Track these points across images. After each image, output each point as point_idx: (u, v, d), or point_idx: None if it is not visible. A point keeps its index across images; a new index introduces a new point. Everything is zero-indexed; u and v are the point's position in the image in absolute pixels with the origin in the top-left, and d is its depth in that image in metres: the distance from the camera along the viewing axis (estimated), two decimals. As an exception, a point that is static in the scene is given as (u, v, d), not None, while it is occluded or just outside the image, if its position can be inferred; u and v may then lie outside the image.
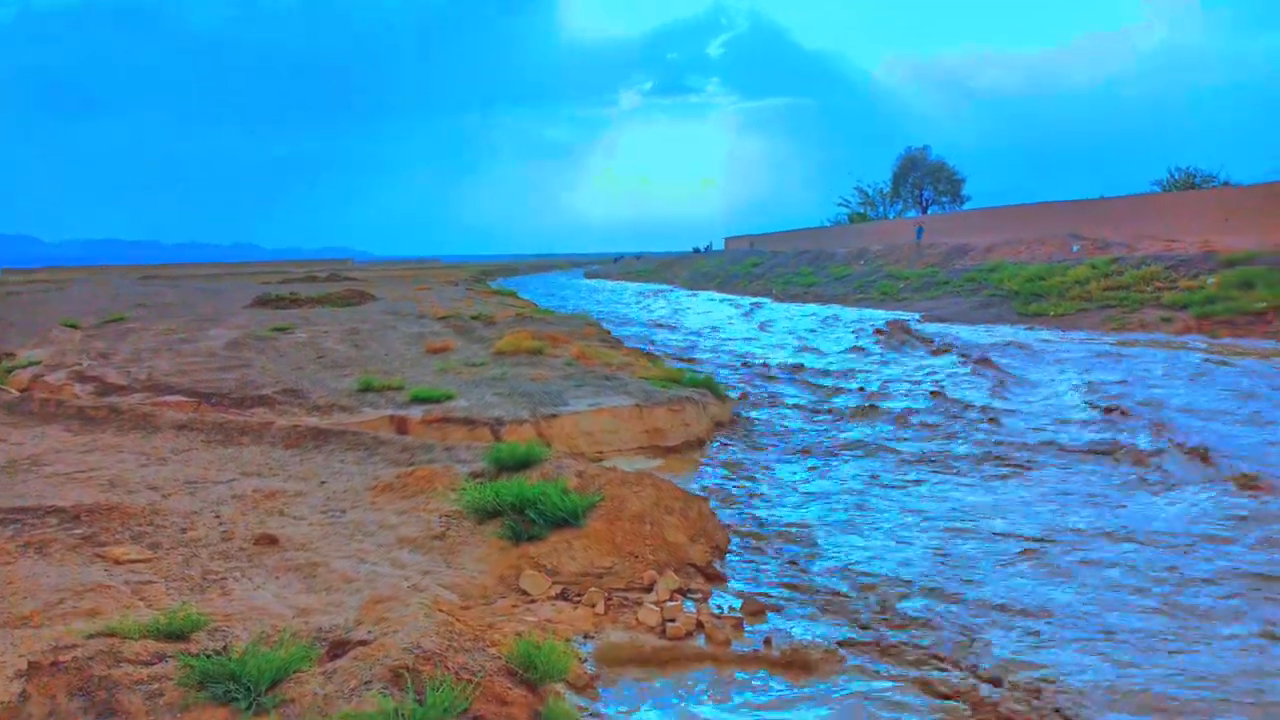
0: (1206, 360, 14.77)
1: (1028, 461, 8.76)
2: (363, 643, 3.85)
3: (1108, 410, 10.72)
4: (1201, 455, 8.31)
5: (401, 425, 9.37)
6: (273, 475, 6.95)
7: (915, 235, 42.36)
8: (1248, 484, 7.44)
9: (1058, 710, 4.02)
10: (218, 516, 5.87)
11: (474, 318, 19.10)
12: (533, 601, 5.00)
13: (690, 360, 16.45)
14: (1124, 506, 7.19)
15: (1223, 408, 10.94)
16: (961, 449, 9.32)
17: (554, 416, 9.46)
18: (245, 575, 4.92)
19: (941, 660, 4.55)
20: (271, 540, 5.42)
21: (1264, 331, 17.69)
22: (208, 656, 3.43)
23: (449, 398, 10.13)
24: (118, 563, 4.95)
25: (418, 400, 9.97)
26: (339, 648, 3.86)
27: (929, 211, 57.84)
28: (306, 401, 10.14)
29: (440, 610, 4.56)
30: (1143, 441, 9.09)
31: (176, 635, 3.83)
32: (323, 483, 6.78)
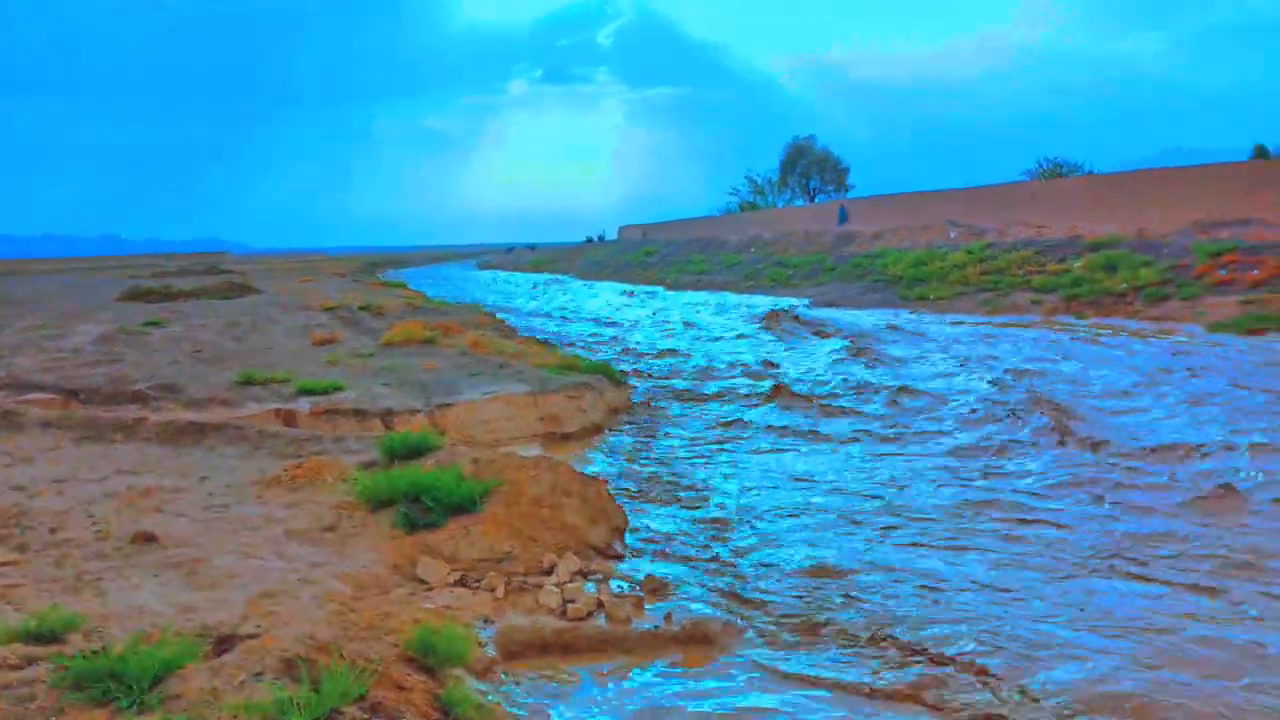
0: (1074, 339, 15.63)
1: (911, 432, 9.10)
2: (251, 636, 3.72)
3: (991, 383, 11.22)
4: (1061, 426, 8.81)
5: (288, 418, 9.06)
6: (149, 472, 6.62)
7: (839, 218, 41.54)
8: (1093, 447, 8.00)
9: (918, 647, 4.20)
10: (90, 516, 5.56)
11: (362, 308, 18.61)
12: (431, 589, 4.92)
13: (586, 348, 16.44)
14: (997, 474, 7.56)
15: (1088, 381, 11.61)
16: (846, 424, 9.61)
17: (448, 406, 9.32)
18: (122, 575, 4.68)
19: (834, 625, 4.70)
20: (150, 538, 5.16)
21: (1126, 312, 18.83)
22: (84, 657, 3.25)
23: (337, 389, 9.86)
24: (-20, 567, 4.63)
25: (304, 392, 9.66)
26: (226, 642, 3.72)
27: (816, 200, 59.30)
28: (183, 396, 9.69)
29: (333, 601, 4.45)
30: (1004, 411, 9.57)
31: (48, 638, 3.62)
32: (204, 478, 6.50)
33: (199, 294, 23.66)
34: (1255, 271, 18.39)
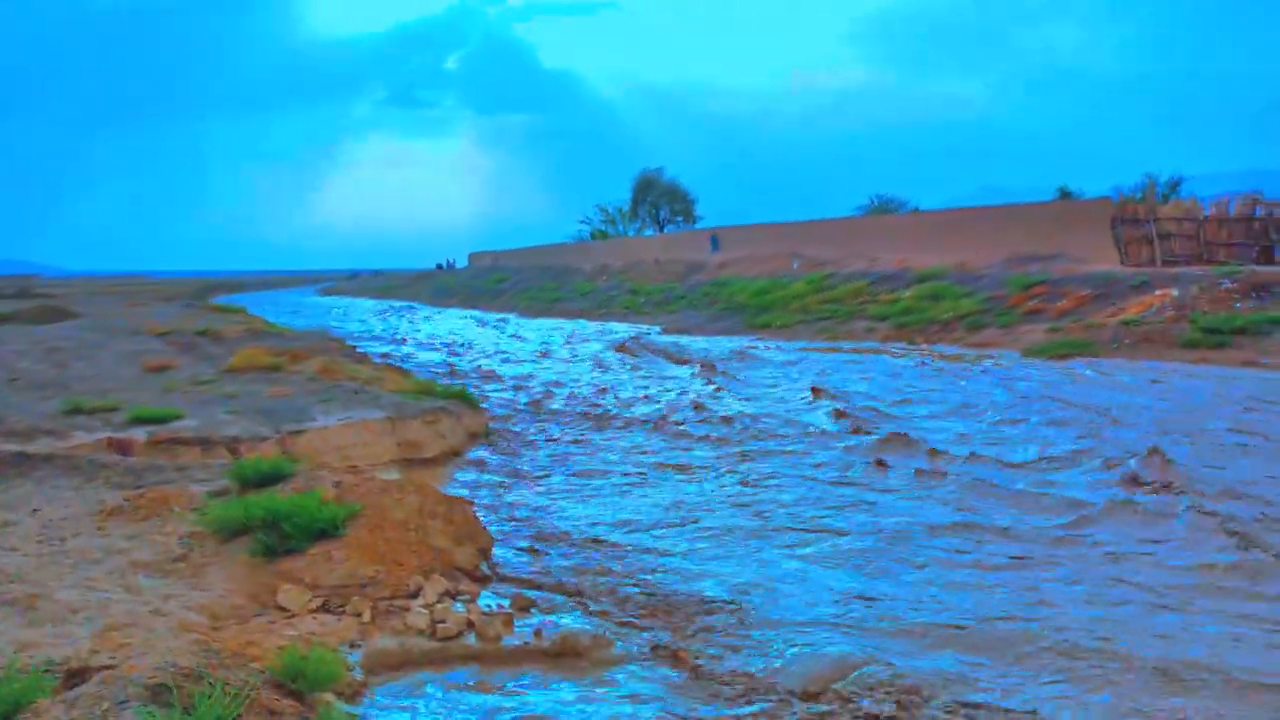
0: (921, 365, 16.69)
1: (749, 449, 9.53)
2: (106, 667, 3.55)
3: (837, 413, 11.86)
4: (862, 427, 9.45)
5: (123, 448, 8.53)
6: (-31, 507, 6.13)
7: (711, 246, 40.84)
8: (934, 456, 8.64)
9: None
10: (-96, 553, 5.11)
11: (200, 333, 17.70)
12: (293, 616, 4.80)
13: (440, 374, 16.24)
14: (847, 486, 8.03)
15: (922, 398, 12.46)
16: (700, 447, 9.95)
17: (299, 433, 9.03)
18: (-53, 614, 4.34)
19: (684, 627, 4.90)
20: (-23, 575, 4.80)
21: (950, 339, 20.25)
22: (-83, 698, 3.03)
23: (176, 417, 9.36)
24: None
25: (139, 421, 9.13)
26: (77, 676, 3.54)
27: (665, 230, 60.60)
28: (1, 426, 8.98)
29: (191, 631, 4.29)
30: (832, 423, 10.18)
31: None
32: (35, 510, 6.08)
33: (10, 318, 21.84)
34: (1062, 302, 20.19)
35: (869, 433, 10.17)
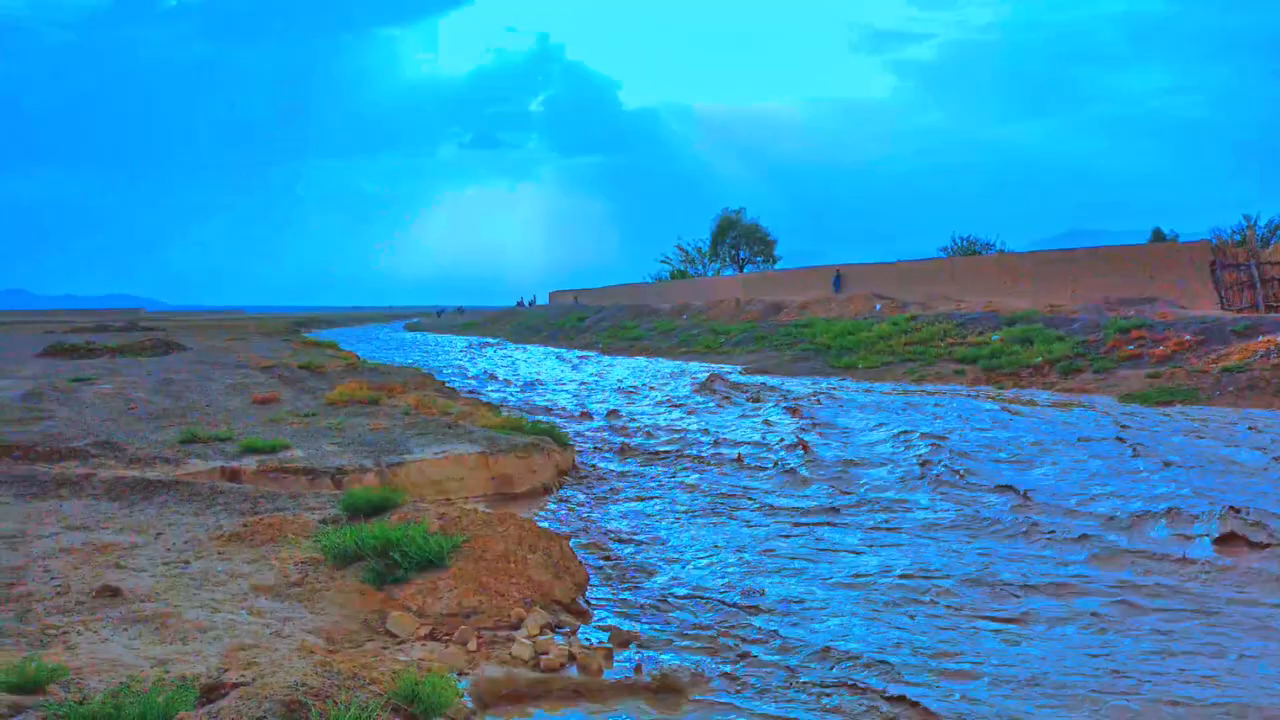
0: (1004, 409, 16.33)
1: (843, 490, 9.44)
2: (239, 685, 3.76)
3: (923, 462, 11.68)
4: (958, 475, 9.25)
5: (234, 476, 8.96)
6: (102, 528, 6.52)
7: (833, 285, 39.22)
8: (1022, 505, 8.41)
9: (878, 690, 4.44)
10: (47, 570, 5.47)
11: (302, 367, 18.41)
12: (402, 643, 4.98)
13: (528, 409, 16.54)
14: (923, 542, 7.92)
15: (1012, 447, 12.18)
16: (791, 488, 9.91)
17: (399, 465, 9.34)
18: (89, 628, 4.63)
19: (793, 672, 4.90)
20: (114, 592, 5.12)
21: (1042, 383, 19.75)
22: (78, 703, 3.27)
23: (284, 448, 9.78)
24: (-60, 621, 4.54)
25: (250, 451, 9.56)
26: (213, 691, 3.75)
27: (745, 270, 60.69)
28: (124, 454, 9.50)
29: (311, 653, 4.49)
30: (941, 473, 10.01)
31: (29, 688, 3.60)
32: (159, 534, 6.43)
33: (125, 350, 23.04)
34: (1160, 347, 19.54)
35: (979, 483, 9.84)
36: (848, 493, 9.69)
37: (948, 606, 6.05)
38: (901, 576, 6.68)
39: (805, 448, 12.10)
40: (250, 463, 9.15)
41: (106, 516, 6.79)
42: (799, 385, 21.94)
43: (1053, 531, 7.77)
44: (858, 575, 6.76)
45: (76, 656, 4.25)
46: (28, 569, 5.46)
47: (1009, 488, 9.44)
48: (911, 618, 5.84)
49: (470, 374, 27.43)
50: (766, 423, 15.05)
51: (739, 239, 62.68)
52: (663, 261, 67.02)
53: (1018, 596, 6.22)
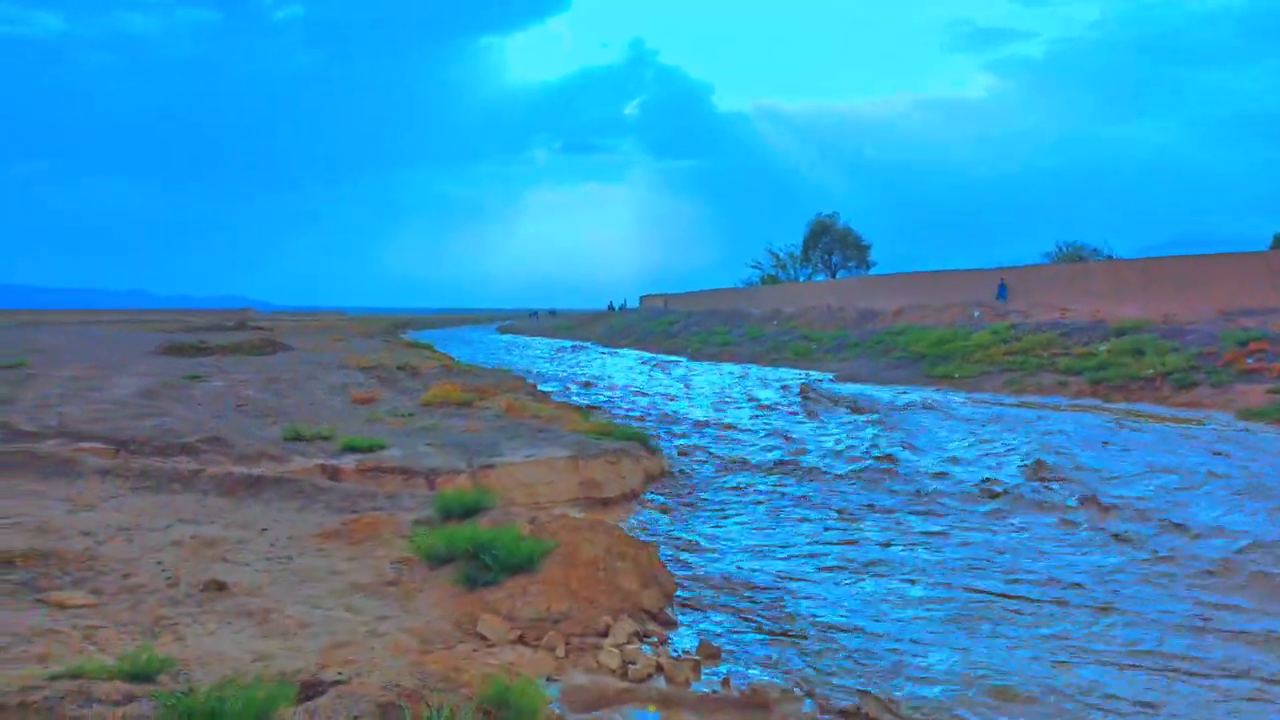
0: (1120, 425, 15.65)
1: (931, 504, 9.16)
2: (337, 682, 3.84)
3: (1036, 472, 11.27)
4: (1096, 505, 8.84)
5: (334, 474, 9.22)
6: (210, 522, 6.78)
7: (998, 293, 34.88)
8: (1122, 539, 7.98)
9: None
10: (159, 563, 5.71)
11: (399, 368, 18.91)
12: (492, 646, 5.02)
13: (617, 414, 16.61)
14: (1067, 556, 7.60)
15: (1145, 473, 11.64)
16: (888, 499, 9.68)
17: (490, 467, 9.47)
18: (197, 620, 4.82)
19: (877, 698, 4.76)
20: (220, 586, 5.31)
21: (1154, 397, 18.85)
22: (185, 694, 3.39)
23: (381, 447, 10.03)
24: (62, 607, 4.79)
25: (349, 449, 9.84)
26: (311, 688, 3.84)
27: (838, 276, 59.80)
28: (232, 450, 9.89)
29: (405, 653, 4.57)
30: (1066, 498, 9.60)
31: (143, 677, 3.76)
32: (264, 530, 6.66)
33: (234, 350, 24.06)
34: (1283, 361, 18.44)
35: (1099, 505, 9.17)
36: (933, 510, 9.41)
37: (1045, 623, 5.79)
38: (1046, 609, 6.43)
39: (890, 460, 11.82)
40: (349, 461, 9.42)
41: (215, 511, 7.06)
42: (892, 394, 21.46)
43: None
44: (952, 591, 6.54)
45: (185, 648, 4.42)
46: (141, 560, 5.72)
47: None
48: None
49: (561, 376, 27.72)
50: (859, 432, 14.76)
51: (832, 244, 61.81)
52: (754, 266, 66.62)
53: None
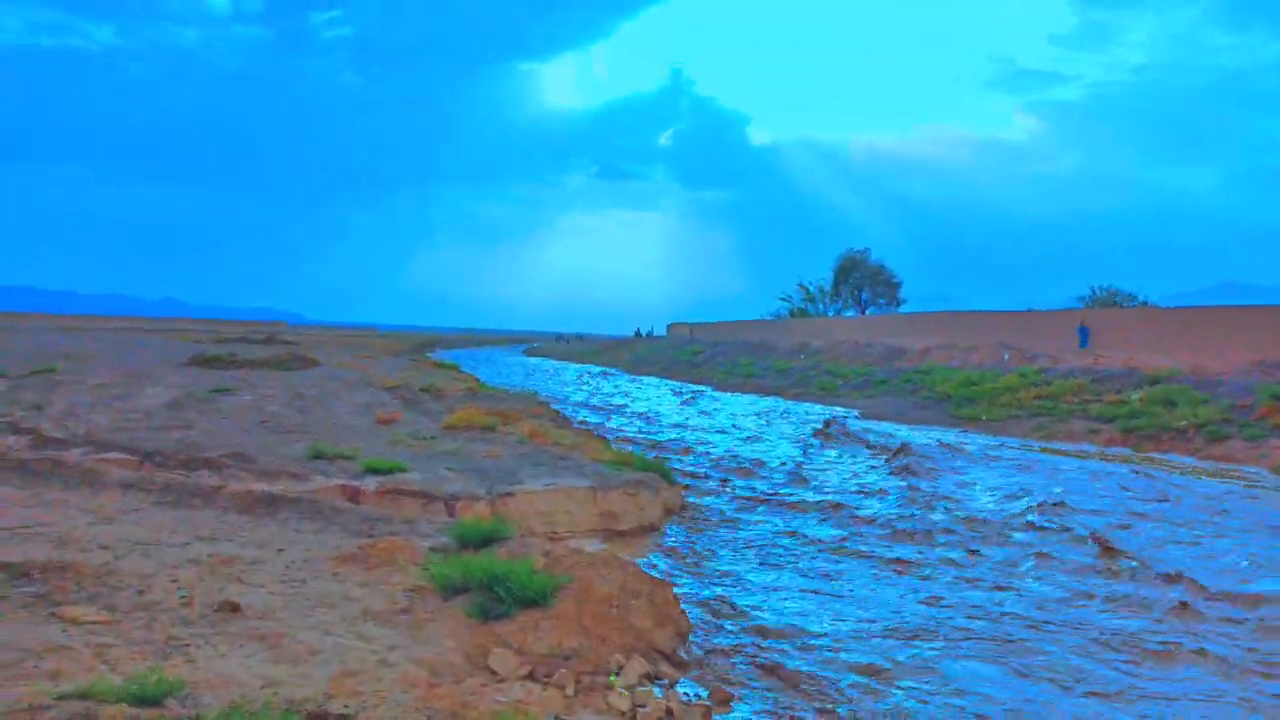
0: (1163, 481, 15.37)
1: (950, 550, 9.00)
2: (344, 716, 3.80)
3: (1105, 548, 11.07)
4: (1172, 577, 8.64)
5: (354, 495, 9.23)
6: (228, 540, 6.79)
7: (1080, 339, 31.69)
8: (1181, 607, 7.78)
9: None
10: (175, 580, 5.72)
11: (423, 390, 18.99)
12: (502, 681, 4.96)
13: (639, 443, 16.55)
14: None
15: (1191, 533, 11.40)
16: (909, 548, 9.53)
17: (509, 494, 9.44)
18: (209, 642, 4.80)
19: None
20: (234, 607, 5.30)
21: (1186, 449, 18.52)
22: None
23: (402, 470, 10.04)
24: (75, 623, 4.80)
25: (370, 471, 9.86)
26: (318, 719, 3.80)
27: (867, 312, 59.55)
28: (254, 467, 9.94)
29: (414, 686, 4.52)
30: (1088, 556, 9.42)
31: (150, 700, 3.74)
32: (280, 550, 6.65)
33: (263, 364, 24.29)
34: (1320, 417, 18.06)
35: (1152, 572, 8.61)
36: (955, 554, 9.24)
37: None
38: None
39: (913, 503, 11.65)
40: (370, 483, 9.42)
41: (234, 529, 7.08)
42: (917, 434, 21.25)
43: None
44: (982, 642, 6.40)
45: (195, 670, 4.40)
46: (157, 577, 5.72)
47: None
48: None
49: (584, 403, 27.71)
50: (881, 473, 14.59)
51: (862, 280, 61.63)
52: (783, 299, 66.54)
53: None
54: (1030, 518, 10.93)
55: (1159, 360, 26.74)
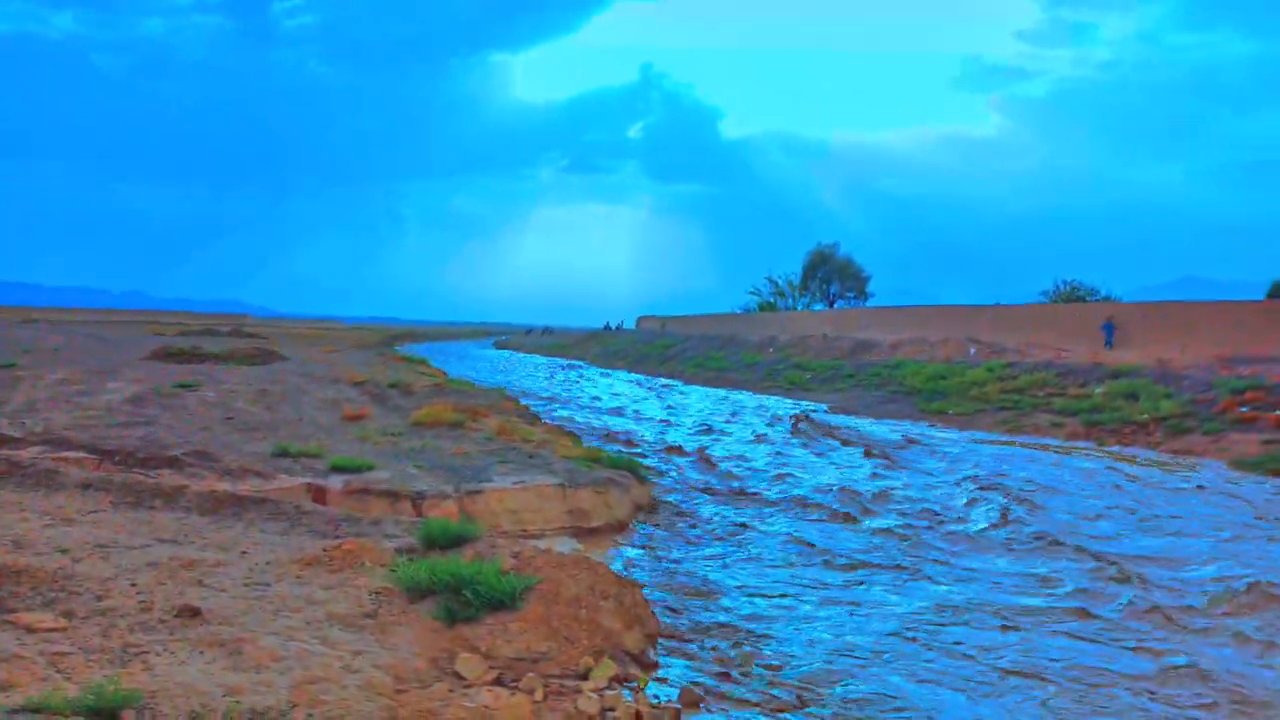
0: (1113, 470, 15.59)
1: (923, 553, 9.08)
2: (306, 726, 3.74)
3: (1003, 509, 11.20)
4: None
5: (319, 495, 9.12)
6: (189, 543, 6.67)
7: (1105, 336, 29.84)
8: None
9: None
10: (134, 584, 5.60)
11: (391, 385, 18.82)
12: (469, 686, 4.91)
13: (608, 439, 16.51)
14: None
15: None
16: (881, 540, 9.59)
17: (477, 492, 9.38)
18: (168, 649, 4.70)
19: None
20: (194, 612, 5.19)
21: (1146, 441, 18.81)
22: (147, 738, 3.28)
23: (369, 468, 9.94)
24: (30, 630, 4.68)
25: (337, 469, 9.75)
26: (280, 731, 3.73)
27: (836, 306, 59.91)
28: (218, 465, 9.78)
29: (378, 693, 4.47)
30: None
31: (107, 713, 3.65)
32: (244, 553, 6.54)
33: (228, 358, 23.95)
34: (1278, 412, 18.40)
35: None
36: (924, 551, 9.32)
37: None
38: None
39: (883, 498, 11.74)
40: (336, 482, 9.32)
41: (196, 531, 6.96)
42: (885, 428, 21.41)
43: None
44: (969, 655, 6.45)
45: (154, 678, 4.31)
46: (115, 580, 5.60)
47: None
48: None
49: (553, 397, 27.62)
50: (851, 467, 14.68)
51: (831, 274, 61.99)
52: (752, 293, 66.75)
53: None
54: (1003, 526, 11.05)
55: (1123, 354, 27.15)
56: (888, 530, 10.10)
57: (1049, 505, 11.74)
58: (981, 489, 12.74)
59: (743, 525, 10.28)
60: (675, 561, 8.60)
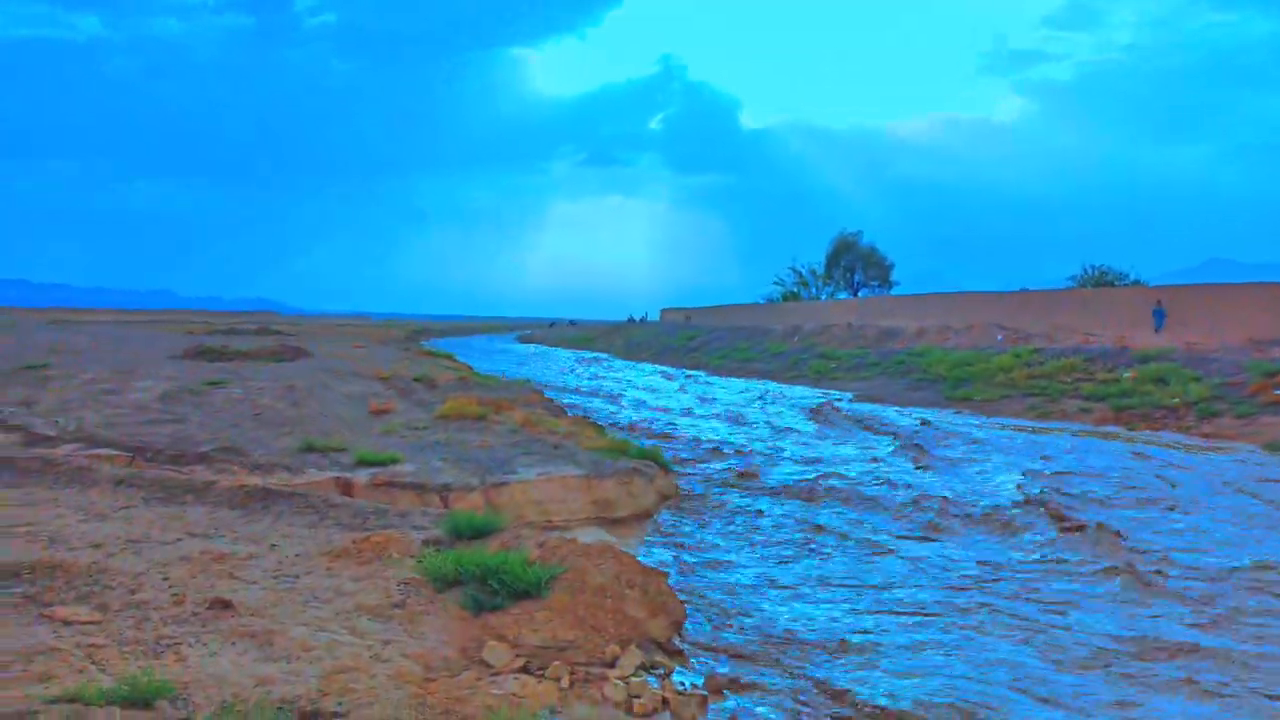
0: (1160, 458, 15.40)
1: (941, 529, 9.02)
2: (336, 715, 3.79)
3: (1038, 501, 11.10)
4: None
5: (346, 488, 9.21)
6: (220, 536, 6.76)
7: (1155, 321, 28.79)
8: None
9: None
10: (166, 578, 5.69)
11: (416, 379, 18.94)
12: (496, 674, 4.95)
13: (633, 430, 16.53)
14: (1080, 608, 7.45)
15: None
16: (901, 526, 9.54)
17: (503, 484, 9.43)
18: (200, 641, 4.77)
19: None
20: (225, 605, 5.27)
21: (1177, 426, 18.56)
22: (181, 725, 3.34)
23: (395, 461, 10.02)
24: (66, 623, 4.77)
25: (363, 463, 9.83)
26: (310, 718, 3.79)
27: (860, 294, 59.55)
28: (247, 460, 9.90)
29: (407, 681, 4.51)
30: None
31: (141, 703, 3.72)
32: (273, 546, 6.62)
33: (256, 355, 24.19)
34: (1311, 393, 18.11)
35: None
36: (943, 530, 9.26)
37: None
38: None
39: (912, 488, 11.67)
40: (363, 475, 9.40)
41: (226, 525, 7.05)
42: (912, 416, 21.27)
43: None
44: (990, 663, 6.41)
45: (186, 670, 4.38)
46: (148, 574, 5.69)
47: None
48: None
49: (578, 389, 27.68)
50: (878, 456, 14.61)
51: (854, 262, 61.63)
52: (776, 283, 66.52)
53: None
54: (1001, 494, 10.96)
55: (1151, 338, 26.79)
56: (908, 510, 10.05)
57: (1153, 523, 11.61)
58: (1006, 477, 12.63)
59: (768, 514, 10.26)
60: (700, 550, 8.60)
